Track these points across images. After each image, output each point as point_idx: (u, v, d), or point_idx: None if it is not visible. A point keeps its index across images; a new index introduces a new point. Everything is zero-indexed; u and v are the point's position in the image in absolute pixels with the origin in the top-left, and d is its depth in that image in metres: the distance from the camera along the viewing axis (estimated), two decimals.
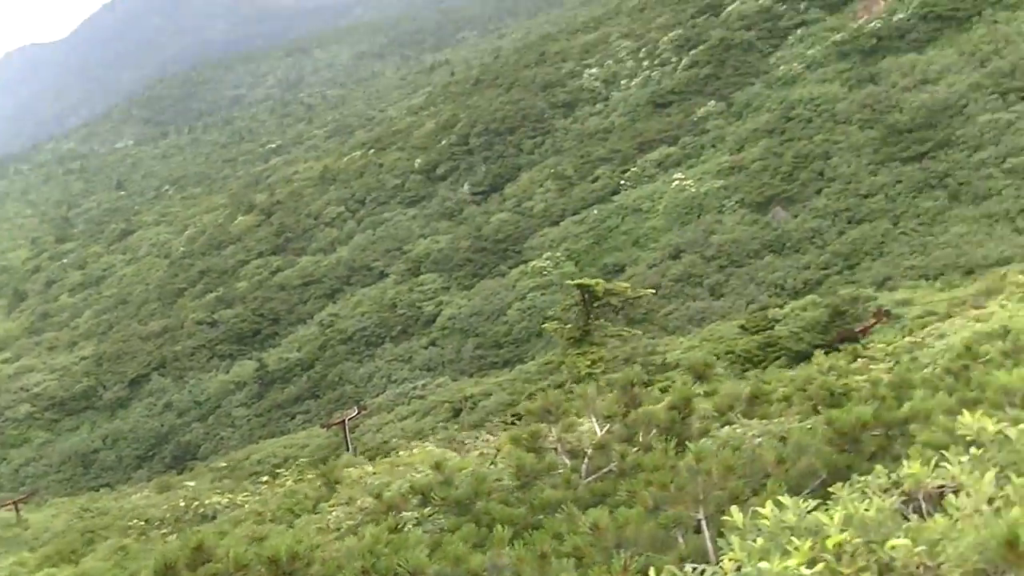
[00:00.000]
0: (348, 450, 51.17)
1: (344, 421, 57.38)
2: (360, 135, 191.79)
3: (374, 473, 26.32)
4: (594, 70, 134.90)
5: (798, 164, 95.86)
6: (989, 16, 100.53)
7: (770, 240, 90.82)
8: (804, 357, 43.96)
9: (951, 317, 40.66)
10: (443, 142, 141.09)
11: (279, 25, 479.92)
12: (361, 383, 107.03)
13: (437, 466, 12.19)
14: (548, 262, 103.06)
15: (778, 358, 51.51)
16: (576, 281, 35.77)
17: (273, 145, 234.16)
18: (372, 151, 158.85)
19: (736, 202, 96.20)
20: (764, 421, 14.08)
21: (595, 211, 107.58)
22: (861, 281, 77.60)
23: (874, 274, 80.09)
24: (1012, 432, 6.07)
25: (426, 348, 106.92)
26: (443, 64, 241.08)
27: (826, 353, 36.46)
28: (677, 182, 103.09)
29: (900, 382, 14.79)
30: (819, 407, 14.69)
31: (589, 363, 34.54)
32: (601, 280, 35.85)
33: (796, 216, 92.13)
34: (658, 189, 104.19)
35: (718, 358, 53.73)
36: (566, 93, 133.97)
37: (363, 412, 72.93)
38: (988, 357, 15.43)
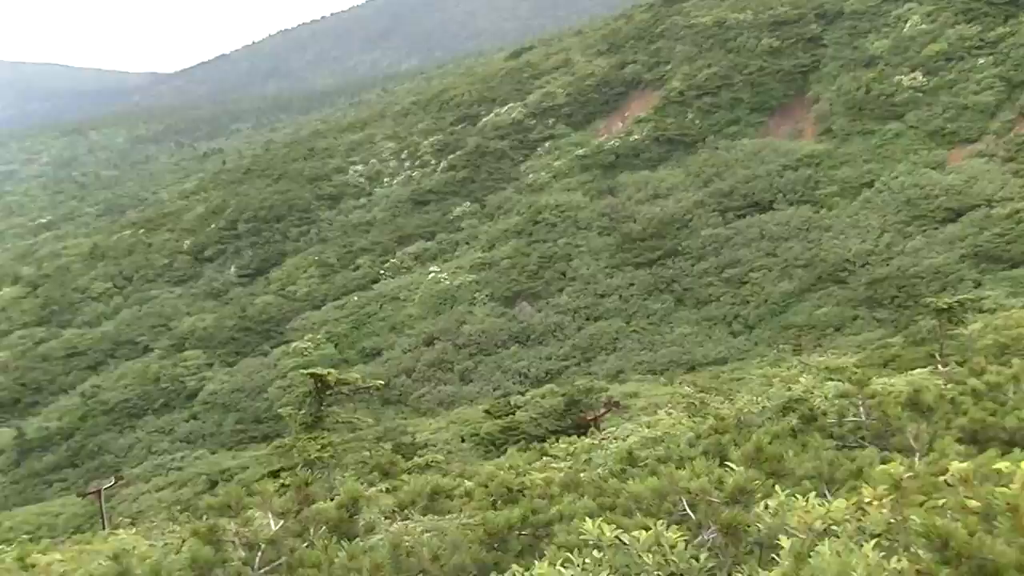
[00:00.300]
0: (103, 519, 49.80)
1: (100, 491, 55.38)
2: (131, 215, 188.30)
3: (61, 560, 24.10)
4: (359, 167, 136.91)
5: (543, 264, 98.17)
6: (712, 142, 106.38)
7: (516, 332, 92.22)
8: (542, 440, 45.11)
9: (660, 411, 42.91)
10: (212, 226, 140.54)
11: (55, 105, 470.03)
12: (121, 453, 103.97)
13: (115, 557, 11.51)
14: (309, 343, 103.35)
15: (518, 441, 52.59)
16: (308, 371, 36.56)
17: (43, 220, 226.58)
18: (142, 231, 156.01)
19: (486, 295, 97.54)
20: (437, 517, 14.45)
21: (355, 297, 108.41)
22: (596, 373, 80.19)
23: (608, 367, 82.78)
24: (626, 538, 6.52)
25: (187, 421, 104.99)
26: (216, 152, 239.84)
27: (557, 440, 38.23)
28: (433, 274, 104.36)
29: (569, 482, 15.30)
30: (497, 503, 15.00)
31: (319, 447, 35.12)
32: (332, 370, 36.80)
33: (540, 311, 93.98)
34: (415, 280, 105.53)
35: (463, 440, 55.45)
36: (332, 187, 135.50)
37: (120, 482, 71.14)
38: (645, 462, 16.42)
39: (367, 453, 53.78)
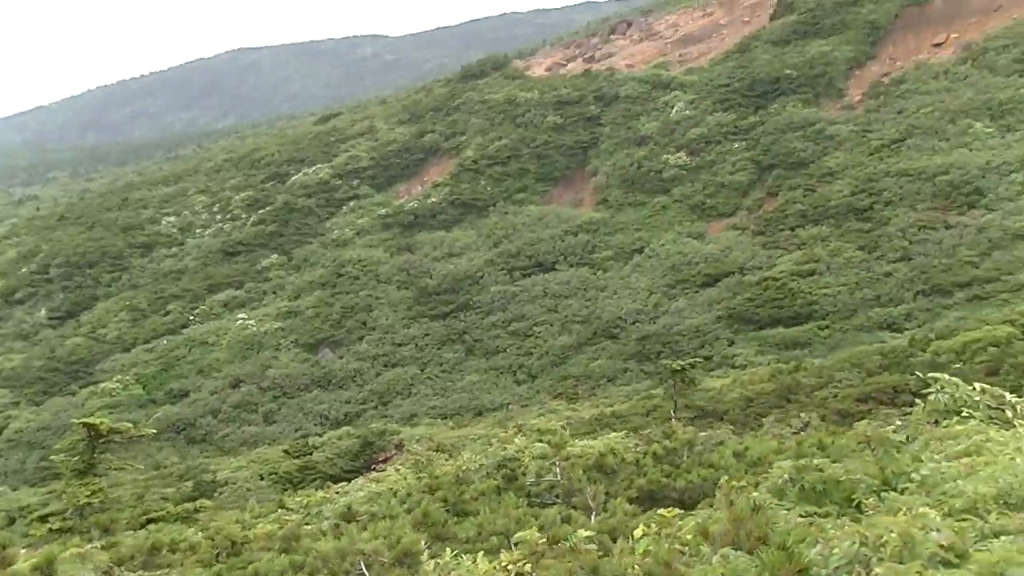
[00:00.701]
0: None
1: None
2: None
3: None
4: (172, 218, 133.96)
5: (345, 313, 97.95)
6: (502, 207, 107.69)
7: (318, 376, 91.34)
8: (338, 480, 45.25)
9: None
10: (24, 270, 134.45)
11: None
12: None
13: None
14: (118, 384, 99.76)
15: (315, 480, 52.84)
16: (81, 420, 35.80)
17: None
18: None
19: (291, 342, 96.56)
20: (148, 575, 14.15)
21: (165, 341, 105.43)
22: (392, 416, 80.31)
23: (403, 411, 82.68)
24: None
25: None
26: (31, 199, 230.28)
27: (349, 480, 38.63)
28: (241, 321, 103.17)
29: (290, 536, 15.44)
30: (220, 556, 15.23)
31: (89, 493, 34.21)
32: (106, 420, 36.00)
33: (342, 357, 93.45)
34: (224, 326, 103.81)
35: (262, 478, 55.33)
36: (145, 236, 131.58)
37: None
38: (363, 517, 16.62)
39: (168, 490, 53.31)
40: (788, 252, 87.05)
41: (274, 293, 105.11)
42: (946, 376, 16.93)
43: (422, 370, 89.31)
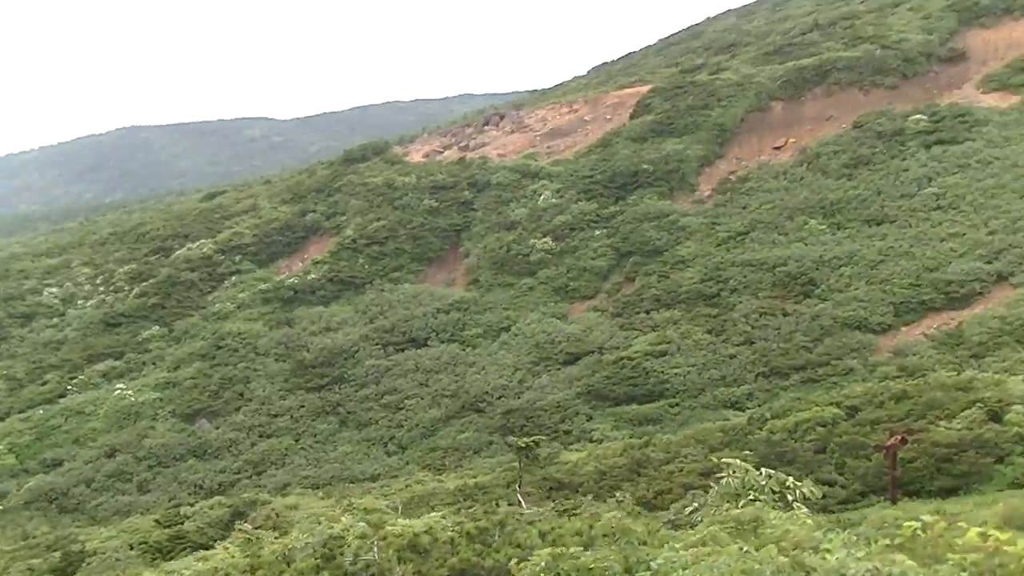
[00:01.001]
0: None
1: None
2: None
3: None
4: (54, 289, 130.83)
5: (224, 385, 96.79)
6: (378, 285, 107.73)
7: (194, 446, 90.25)
8: (207, 548, 44.92)
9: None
10: None
11: None
12: None
13: None
14: None
15: (184, 549, 52.22)
16: None
17: None
18: None
19: (169, 412, 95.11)
20: None
21: (41, 411, 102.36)
22: (266, 486, 79.38)
23: (277, 480, 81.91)
24: None
25: None
26: None
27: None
28: (119, 391, 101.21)
29: None
30: None
31: None
32: None
33: (218, 428, 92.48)
34: (102, 396, 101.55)
35: (132, 548, 54.78)
36: (26, 306, 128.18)
37: None
38: None
39: (35, 561, 51.96)
40: (643, 333, 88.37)
41: (154, 364, 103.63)
42: (737, 461, 18.77)
43: (296, 440, 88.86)
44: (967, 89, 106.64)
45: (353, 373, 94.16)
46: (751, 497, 17.29)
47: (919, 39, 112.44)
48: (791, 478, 18.59)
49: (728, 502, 17.82)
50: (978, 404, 47.30)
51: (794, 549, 10.70)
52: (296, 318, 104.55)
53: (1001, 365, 66.49)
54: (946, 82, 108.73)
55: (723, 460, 19.89)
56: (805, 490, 18.06)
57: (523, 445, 52.20)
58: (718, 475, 19.50)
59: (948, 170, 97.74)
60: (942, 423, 45.18)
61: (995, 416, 45.16)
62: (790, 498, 17.29)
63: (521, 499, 43.07)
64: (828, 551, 10.02)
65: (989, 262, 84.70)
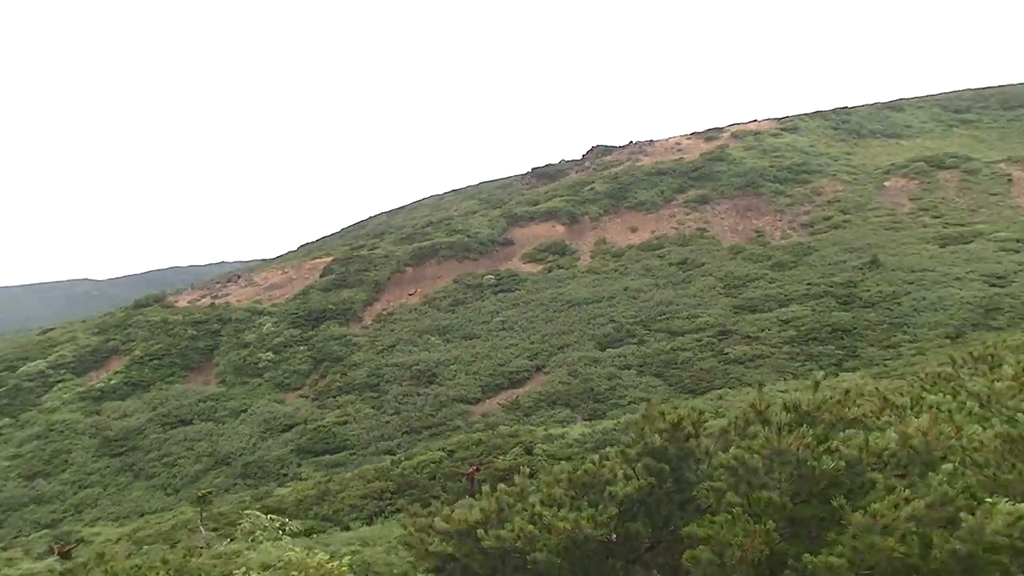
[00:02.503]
0: None
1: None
2: None
3: None
4: None
5: (54, 455, 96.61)
6: (159, 385, 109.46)
7: (34, 497, 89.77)
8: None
9: None
10: None
11: None
12: None
13: None
14: None
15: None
16: None
17: None
18: None
19: (16, 474, 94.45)
20: None
21: None
22: (83, 520, 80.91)
23: (91, 516, 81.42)
24: None
25: None
26: None
27: None
28: None
29: None
30: None
31: None
32: None
33: (50, 483, 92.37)
34: None
35: None
36: None
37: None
38: None
39: None
40: (332, 410, 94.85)
41: (5, 443, 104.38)
42: (255, 511, 20.98)
43: (104, 489, 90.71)
44: (515, 261, 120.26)
45: (142, 444, 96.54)
46: (257, 534, 18.16)
47: (488, 232, 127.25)
48: (285, 519, 20.03)
49: (247, 537, 18.58)
50: (520, 444, 54.22)
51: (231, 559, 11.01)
52: (103, 409, 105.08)
53: (540, 420, 78.32)
54: (503, 257, 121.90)
55: (245, 511, 20.86)
56: (292, 526, 19.30)
57: (201, 495, 54.68)
58: (239, 522, 20.03)
59: (507, 307, 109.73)
60: (501, 457, 49.85)
61: (529, 451, 50.97)
62: (282, 533, 18.16)
63: (203, 528, 44.04)
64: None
65: (531, 359, 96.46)
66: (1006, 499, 7.91)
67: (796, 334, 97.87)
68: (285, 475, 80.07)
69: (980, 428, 10.21)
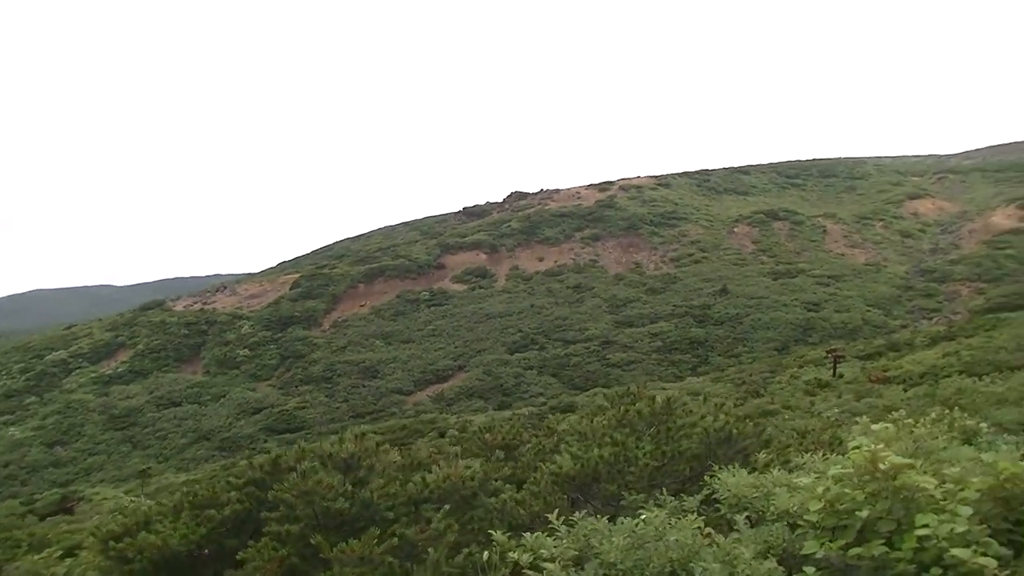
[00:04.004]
0: None
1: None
2: None
3: None
4: None
5: (70, 428, 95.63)
6: (157, 374, 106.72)
7: (52, 461, 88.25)
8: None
9: None
10: None
11: None
12: None
13: None
14: None
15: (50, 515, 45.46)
16: None
17: None
18: None
19: (39, 442, 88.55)
20: None
21: None
22: (91, 481, 76.38)
23: (98, 478, 78.61)
24: None
25: None
26: None
27: None
28: (11, 432, 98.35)
29: None
30: None
31: None
32: None
33: (66, 451, 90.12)
34: (2, 435, 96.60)
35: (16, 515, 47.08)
36: None
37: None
38: None
39: None
40: (294, 397, 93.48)
41: (31, 417, 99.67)
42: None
43: (108, 456, 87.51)
44: (445, 281, 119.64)
45: (140, 420, 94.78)
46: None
47: (426, 257, 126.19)
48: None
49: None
50: (436, 429, 53.81)
51: None
52: (111, 392, 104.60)
53: (460, 410, 78.08)
54: (437, 278, 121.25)
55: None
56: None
57: (141, 470, 52.67)
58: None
59: (438, 318, 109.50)
60: (421, 440, 46.24)
61: (442, 434, 48.74)
62: None
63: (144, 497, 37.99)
64: None
65: (455, 360, 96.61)
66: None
67: (663, 344, 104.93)
68: (254, 449, 77.00)
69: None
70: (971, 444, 7.33)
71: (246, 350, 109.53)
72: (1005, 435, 9.04)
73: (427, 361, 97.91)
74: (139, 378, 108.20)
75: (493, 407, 78.67)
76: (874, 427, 5.61)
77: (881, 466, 4.90)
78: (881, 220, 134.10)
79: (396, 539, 6.11)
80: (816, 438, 8.15)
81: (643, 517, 5.04)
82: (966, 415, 10.04)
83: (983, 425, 9.49)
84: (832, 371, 52.45)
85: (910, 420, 7.50)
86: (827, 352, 64.69)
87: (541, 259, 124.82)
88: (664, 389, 70.64)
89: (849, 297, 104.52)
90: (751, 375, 69.77)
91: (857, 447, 4.88)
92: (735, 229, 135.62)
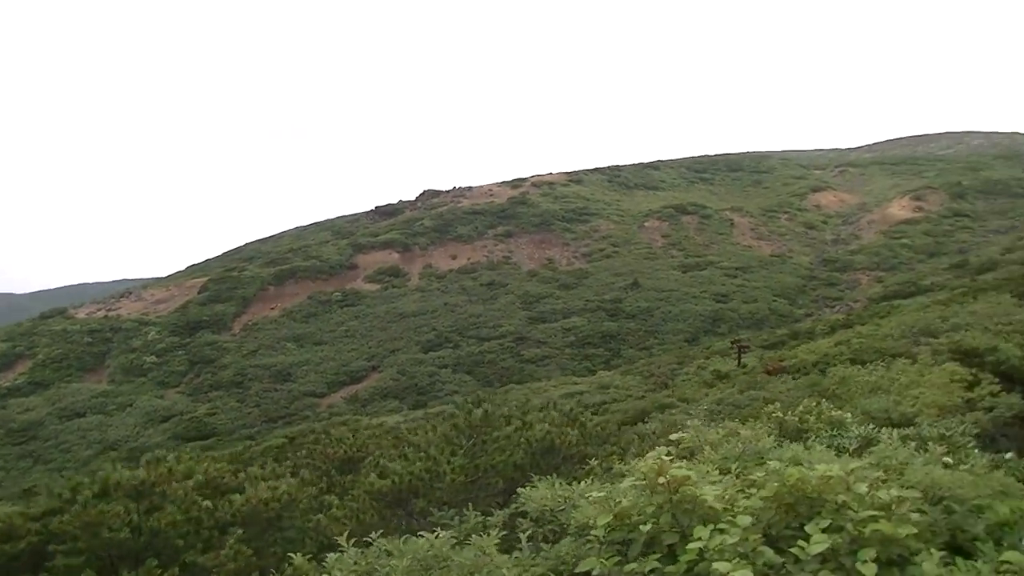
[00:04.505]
0: None
1: None
2: None
3: None
4: None
5: None
6: (58, 384, 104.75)
7: None
8: None
9: None
10: None
11: None
12: None
13: None
14: None
15: None
16: None
17: None
18: None
19: None
20: None
21: None
22: None
23: None
24: None
25: None
26: None
27: None
28: None
29: None
30: None
31: None
32: None
33: None
34: None
35: None
36: None
37: None
38: None
39: None
40: (204, 404, 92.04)
41: None
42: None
43: (8, 473, 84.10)
44: (358, 282, 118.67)
45: (42, 433, 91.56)
46: None
47: (338, 258, 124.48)
48: None
49: None
50: (355, 432, 49.74)
51: None
52: (8, 405, 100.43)
53: (375, 411, 77.50)
54: (349, 278, 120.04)
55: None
56: None
57: (25, 489, 48.12)
58: None
59: (350, 319, 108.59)
60: (341, 444, 44.05)
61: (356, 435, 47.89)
62: None
63: None
64: None
65: (368, 361, 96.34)
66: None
67: (576, 339, 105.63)
68: (161, 456, 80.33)
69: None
70: (802, 442, 7.27)
71: (153, 357, 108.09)
72: (870, 425, 9.28)
73: (340, 363, 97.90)
74: (40, 389, 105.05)
75: (408, 407, 79.10)
76: (672, 436, 5.52)
77: (661, 479, 4.80)
78: (786, 212, 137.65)
79: (178, 569, 5.57)
80: (654, 442, 8.10)
81: (426, 538, 4.81)
82: (834, 406, 10.25)
83: (847, 416, 9.74)
84: (737, 361, 53.75)
85: (739, 421, 7.47)
86: (732, 343, 66.35)
87: (454, 257, 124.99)
88: (576, 383, 71.32)
89: (756, 288, 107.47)
90: (659, 367, 71.13)
91: (658, 457, 4.76)
92: (646, 224, 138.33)
